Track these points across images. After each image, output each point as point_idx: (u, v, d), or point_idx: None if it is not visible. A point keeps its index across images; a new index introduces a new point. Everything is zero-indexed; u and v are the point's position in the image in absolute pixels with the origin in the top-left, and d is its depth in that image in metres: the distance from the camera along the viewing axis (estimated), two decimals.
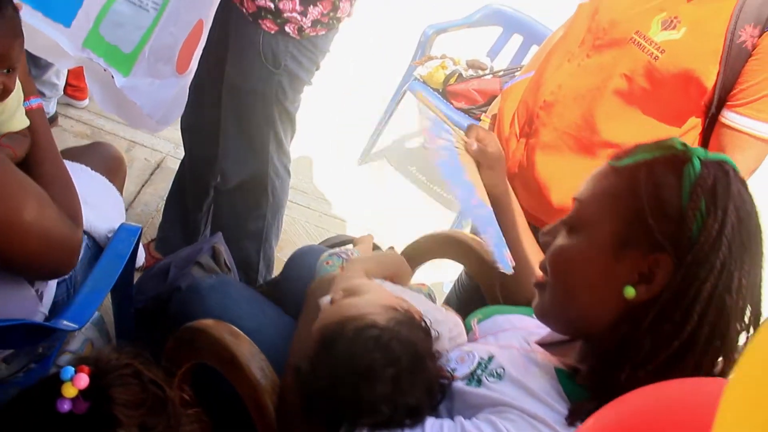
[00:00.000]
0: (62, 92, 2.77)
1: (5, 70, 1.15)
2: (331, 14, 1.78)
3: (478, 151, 1.29)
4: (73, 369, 0.74)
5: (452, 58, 3.29)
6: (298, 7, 1.72)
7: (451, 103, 3.16)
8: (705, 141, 1.42)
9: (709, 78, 1.32)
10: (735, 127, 1.33)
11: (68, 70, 2.73)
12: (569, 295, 0.93)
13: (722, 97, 1.34)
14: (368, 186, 3.33)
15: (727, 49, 1.29)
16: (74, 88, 2.89)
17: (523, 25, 3.38)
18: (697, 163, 0.83)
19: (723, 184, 0.82)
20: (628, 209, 0.86)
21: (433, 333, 1.02)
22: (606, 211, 0.89)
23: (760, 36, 1.28)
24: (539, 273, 1.00)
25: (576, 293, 0.92)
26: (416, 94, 3.12)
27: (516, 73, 2.54)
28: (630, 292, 0.85)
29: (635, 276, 0.85)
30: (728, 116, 1.34)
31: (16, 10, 1.20)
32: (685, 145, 0.87)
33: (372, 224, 2.95)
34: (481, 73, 3.25)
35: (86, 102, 2.96)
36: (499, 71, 3.29)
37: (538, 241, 1.32)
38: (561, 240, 0.95)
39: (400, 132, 3.70)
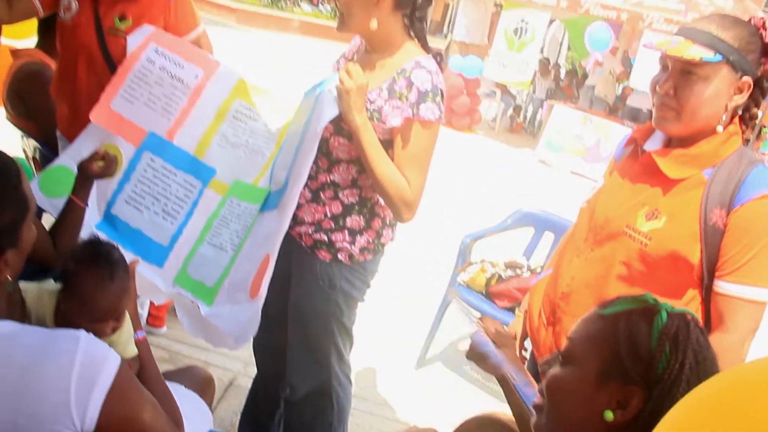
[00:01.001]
0: (145, 322, 3.10)
1: (116, 317, 1.45)
2: (376, 241, 2.04)
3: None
4: None
5: (491, 262, 3.51)
6: (347, 238, 1.99)
7: (495, 303, 3.36)
8: (707, 309, 1.58)
9: (694, 256, 1.52)
10: (726, 293, 1.51)
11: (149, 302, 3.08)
12: (560, 416, 1.12)
13: (710, 269, 1.53)
14: (427, 389, 3.44)
15: (704, 231, 1.51)
16: (154, 317, 3.24)
17: (553, 223, 3.60)
18: (664, 314, 1.05)
19: (684, 333, 1.03)
20: (610, 350, 1.06)
21: None
22: (592, 350, 1.09)
23: (727, 216, 1.49)
24: (539, 397, 1.20)
25: (565, 414, 1.11)
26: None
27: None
28: (609, 415, 1.05)
29: (614, 403, 1.05)
30: (719, 285, 1.52)
31: (126, 270, 1.49)
32: (656, 300, 1.10)
33: (435, 426, 3.04)
34: (519, 272, 3.45)
35: (164, 329, 3.27)
36: (536, 268, 3.51)
37: None
38: (555, 370, 1.15)
39: (452, 335, 3.87)
